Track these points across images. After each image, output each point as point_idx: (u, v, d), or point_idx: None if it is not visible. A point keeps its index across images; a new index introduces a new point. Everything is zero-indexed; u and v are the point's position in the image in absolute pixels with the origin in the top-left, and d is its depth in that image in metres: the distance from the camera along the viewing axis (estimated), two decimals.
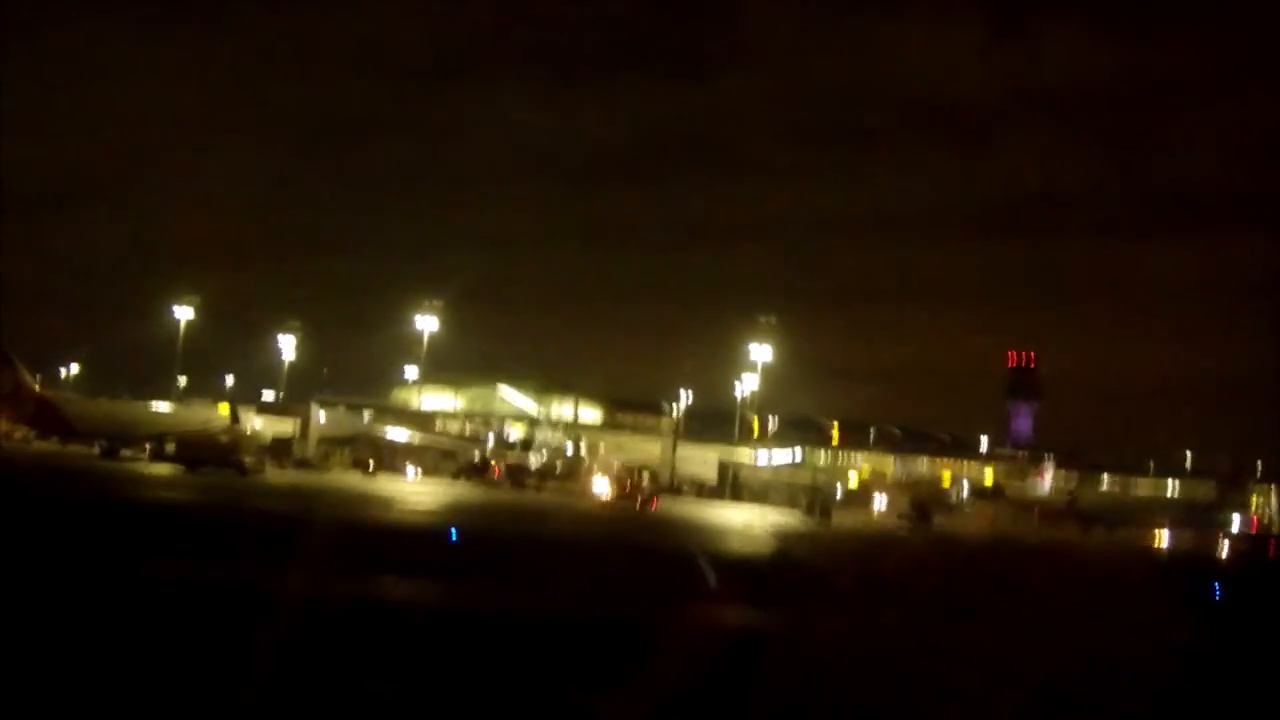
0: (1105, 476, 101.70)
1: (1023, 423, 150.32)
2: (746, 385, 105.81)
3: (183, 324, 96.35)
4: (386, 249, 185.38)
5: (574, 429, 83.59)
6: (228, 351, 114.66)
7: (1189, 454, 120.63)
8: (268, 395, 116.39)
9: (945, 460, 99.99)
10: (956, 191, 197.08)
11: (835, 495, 77.49)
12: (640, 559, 35.16)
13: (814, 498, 75.21)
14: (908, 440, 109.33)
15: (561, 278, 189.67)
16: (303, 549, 28.23)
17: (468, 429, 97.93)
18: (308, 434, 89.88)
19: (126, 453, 74.76)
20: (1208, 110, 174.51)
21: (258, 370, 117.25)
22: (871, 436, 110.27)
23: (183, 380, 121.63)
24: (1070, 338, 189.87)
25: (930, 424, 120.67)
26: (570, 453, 78.35)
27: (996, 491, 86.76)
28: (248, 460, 66.94)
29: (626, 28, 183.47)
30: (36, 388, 72.71)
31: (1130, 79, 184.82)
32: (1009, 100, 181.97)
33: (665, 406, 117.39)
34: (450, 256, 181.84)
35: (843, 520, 71.19)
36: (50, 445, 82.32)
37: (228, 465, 64.75)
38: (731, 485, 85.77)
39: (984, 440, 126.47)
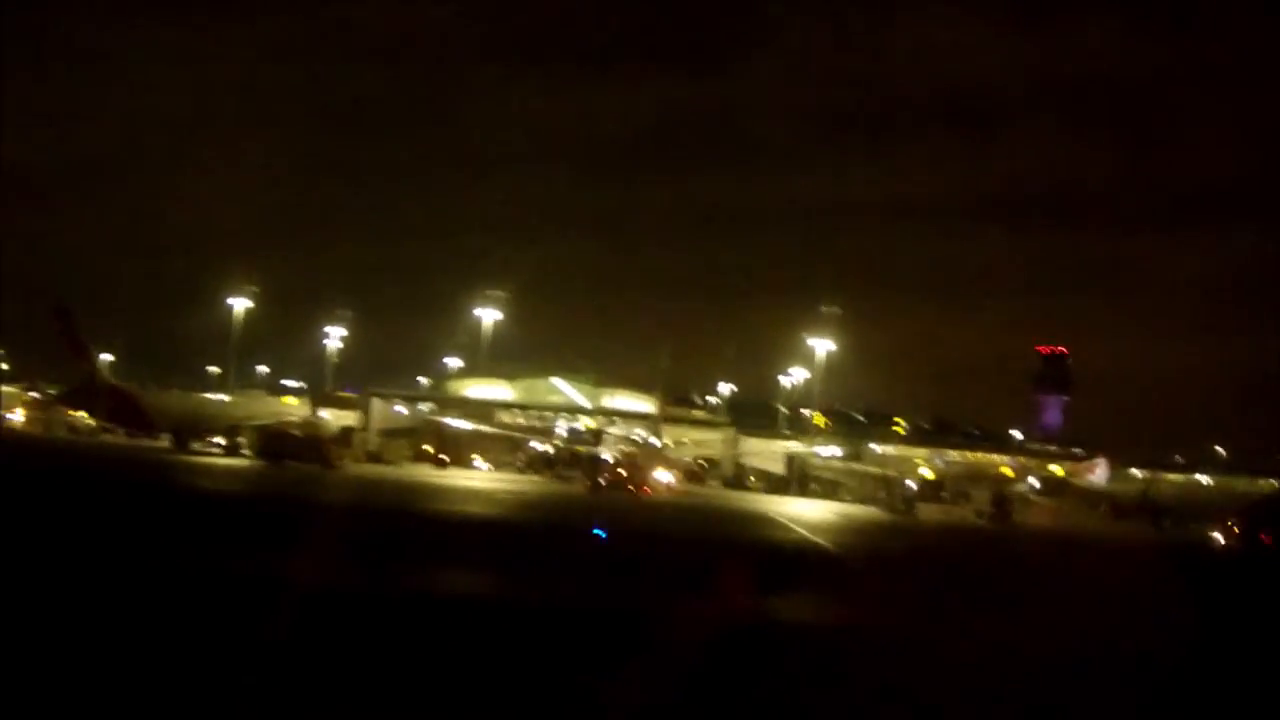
0: (1134, 470, 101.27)
1: (1052, 415, 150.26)
2: (795, 378, 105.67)
3: (237, 312, 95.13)
4: (408, 236, 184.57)
5: (655, 422, 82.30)
6: (250, 339, 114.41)
7: (1220, 449, 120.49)
8: (287, 383, 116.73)
9: (990, 454, 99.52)
10: (978, 182, 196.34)
11: (911, 490, 76.89)
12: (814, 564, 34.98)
13: (892, 492, 74.77)
14: (936, 433, 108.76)
15: (578, 268, 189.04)
16: (470, 553, 27.90)
17: (526, 421, 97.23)
18: (369, 425, 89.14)
19: (196, 445, 74.22)
20: (1240, 100, 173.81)
21: (276, 359, 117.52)
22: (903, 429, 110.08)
23: (214, 369, 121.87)
24: (1095, 331, 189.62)
25: (953, 416, 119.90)
26: (641, 445, 77.37)
27: (1063, 485, 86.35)
28: (332, 455, 66.41)
29: (643, 16, 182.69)
30: (113, 380, 71.99)
31: (1156, 68, 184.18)
32: (1033, 89, 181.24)
33: (698, 399, 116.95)
34: (466, 243, 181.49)
35: (926, 515, 70.94)
36: (116, 437, 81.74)
37: (312, 459, 64.12)
38: (800, 479, 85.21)
39: (1017, 433, 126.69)
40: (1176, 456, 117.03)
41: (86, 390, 69.71)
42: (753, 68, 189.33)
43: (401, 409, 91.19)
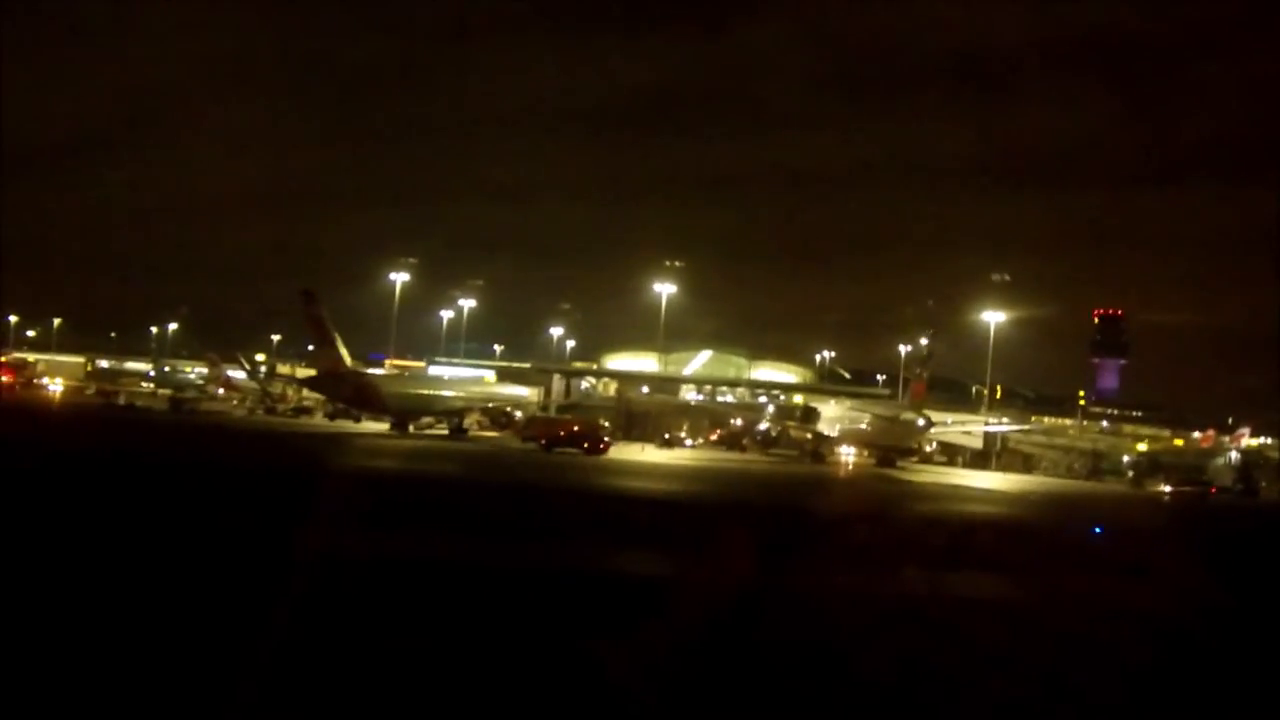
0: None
1: (1109, 379, 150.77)
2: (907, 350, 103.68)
3: (396, 286, 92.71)
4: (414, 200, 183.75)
5: (916, 401, 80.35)
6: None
7: None
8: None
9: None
10: (992, 143, 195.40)
11: (1124, 464, 76.86)
12: None
13: (1138, 469, 74.84)
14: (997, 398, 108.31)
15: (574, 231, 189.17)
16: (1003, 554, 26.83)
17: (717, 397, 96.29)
18: (550, 402, 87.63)
19: (413, 428, 72.60)
20: None
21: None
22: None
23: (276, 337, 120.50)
24: (1148, 292, 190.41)
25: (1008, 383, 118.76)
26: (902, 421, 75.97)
27: (1260, 458, 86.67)
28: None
29: None
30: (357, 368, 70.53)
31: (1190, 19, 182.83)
32: (1057, 48, 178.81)
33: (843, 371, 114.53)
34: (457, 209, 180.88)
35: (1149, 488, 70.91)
36: (316, 419, 79.85)
37: (581, 444, 62.67)
38: (998, 454, 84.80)
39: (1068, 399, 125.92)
40: (1229, 419, 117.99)
41: (333, 375, 68.42)
42: (756, 30, 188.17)
43: (592, 386, 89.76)
